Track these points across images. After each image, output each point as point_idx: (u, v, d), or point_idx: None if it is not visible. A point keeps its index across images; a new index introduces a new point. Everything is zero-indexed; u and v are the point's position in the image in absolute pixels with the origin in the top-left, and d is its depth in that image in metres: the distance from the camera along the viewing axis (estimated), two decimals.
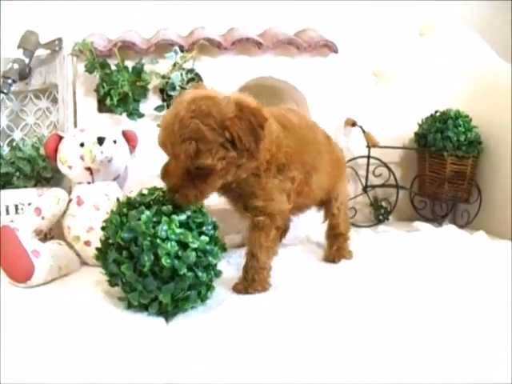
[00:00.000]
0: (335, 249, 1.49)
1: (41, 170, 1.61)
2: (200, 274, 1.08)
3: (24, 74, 1.72)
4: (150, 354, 0.93)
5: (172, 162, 1.07)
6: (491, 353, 0.89)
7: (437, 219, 1.93)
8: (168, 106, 1.66)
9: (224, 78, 1.69)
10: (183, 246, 1.05)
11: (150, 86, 1.67)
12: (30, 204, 1.48)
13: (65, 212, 1.45)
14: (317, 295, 1.19)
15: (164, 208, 1.08)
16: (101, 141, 1.42)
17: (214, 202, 1.26)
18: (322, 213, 1.54)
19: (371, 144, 1.87)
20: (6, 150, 1.69)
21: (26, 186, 1.59)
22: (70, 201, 1.46)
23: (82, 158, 1.44)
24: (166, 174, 1.08)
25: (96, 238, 1.36)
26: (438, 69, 2.07)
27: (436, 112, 1.92)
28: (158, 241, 1.03)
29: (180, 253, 1.04)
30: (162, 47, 1.65)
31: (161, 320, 1.08)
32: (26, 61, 1.68)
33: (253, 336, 0.98)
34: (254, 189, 1.20)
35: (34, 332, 0.99)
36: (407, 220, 2.01)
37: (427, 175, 1.92)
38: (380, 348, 0.91)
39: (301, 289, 1.23)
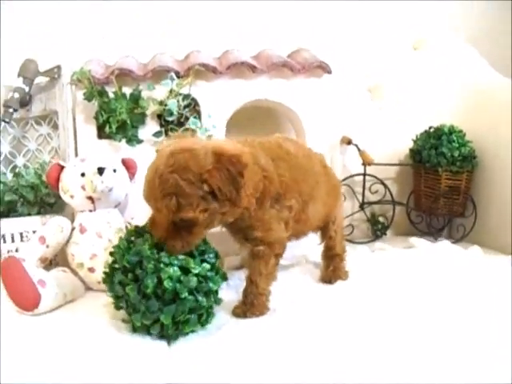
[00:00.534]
0: (331, 269, 1.55)
1: (44, 197, 1.68)
2: (200, 298, 1.15)
3: (25, 102, 1.79)
4: (152, 376, 1.00)
5: (157, 214, 1.12)
6: (491, 367, 0.95)
7: (433, 233, 1.99)
8: (166, 132, 1.73)
9: (220, 102, 1.76)
10: (185, 271, 1.13)
11: (147, 112, 1.73)
12: (34, 232, 1.56)
13: (68, 240, 1.52)
14: (314, 317, 1.24)
15: None
16: (101, 171, 1.49)
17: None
18: (318, 234, 1.61)
19: (366, 162, 1.93)
20: (8, 176, 1.77)
21: (29, 213, 1.66)
22: (73, 229, 1.53)
23: (83, 187, 1.51)
24: (152, 225, 1.15)
25: (99, 264, 1.45)
26: (432, 84, 2.12)
27: (430, 128, 1.97)
28: (162, 265, 1.11)
29: (182, 277, 1.11)
30: (158, 73, 1.72)
31: (163, 344, 1.15)
32: (26, 89, 1.75)
33: (251, 360, 1.04)
34: (251, 222, 1.25)
35: (41, 358, 1.07)
36: (404, 234, 2.08)
37: (422, 191, 1.98)
38: (379, 367, 0.97)
39: (298, 311, 1.29)
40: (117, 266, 1.19)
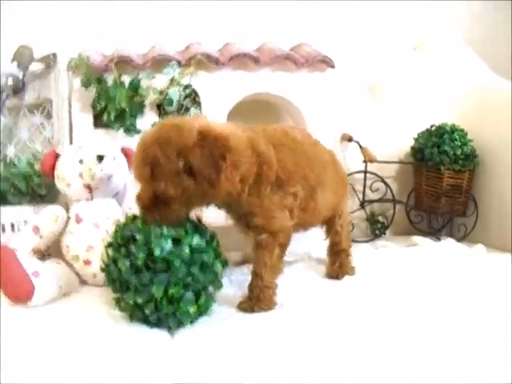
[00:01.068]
0: (338, 265, 1.48)
1: (36, 187, 1.59)
2: (195, 271, 1.09)
3: (18, 89, 1.70)
4: (155, 369, 0.93)
5: (139, 185, 1.11)
6: (492, 365, 0.90)
7: (434, 233, 1.94)
8: None
9: (221, 94, 1.69)
10: (177, 242, 1.10)
11: (146, 102, 1.66)
12: (26, 222, 1.46)
13: (63, 230, 1.43)
14: (322, 313, 1.18)
15: None
16: (100, 158, 1.41)
17: (214, 219, 1.25)
18: (323, 230, 1.54)
19: (368, 159, 1.88)
20: None
21: (20, 203, 1.57)
22: (68, 219, 1.43)
23: (80, 175, 1.41)
24: (136, 196, 1.12)
25: (95, 256, 1.36)
26: (432, 83, 2.08)
27: (432, 126, 1.93)
28: (153, 236, 1.08)
29: (173, 248, 1.08)
30: (158, 62, 1.64)
31: (165, 334, 1.08)
32: (20, 75, 1.67)
33: (258, 355, 0.97)
34: (249, 208, 1.19)
35: (36, 355, 0.97)
36: (404, 234, 2.02)
37: (424, 189, 1.93)
38: (385, 362, 0.91)
39: (306, 306, 1.22)
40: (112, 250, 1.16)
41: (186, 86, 1.66)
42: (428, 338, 1.02)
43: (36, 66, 1.73)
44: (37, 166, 1.61)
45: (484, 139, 1.90)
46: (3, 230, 1.51)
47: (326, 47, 1.81)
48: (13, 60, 1.66)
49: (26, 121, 1.78)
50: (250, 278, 1.25)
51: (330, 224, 1.51)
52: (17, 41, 1.70)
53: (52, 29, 1.82)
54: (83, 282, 1.44)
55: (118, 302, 1.16)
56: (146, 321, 1.11)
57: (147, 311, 1.08)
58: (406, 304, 1.22)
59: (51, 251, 1.49)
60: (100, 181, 1.42)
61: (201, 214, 1.21)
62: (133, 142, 1.58)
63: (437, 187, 1.90)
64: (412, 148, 1.98)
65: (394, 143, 2.02)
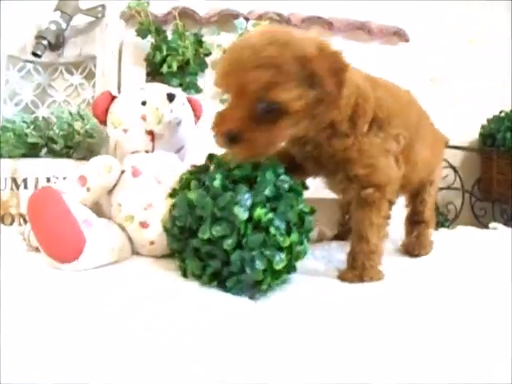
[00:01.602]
0: (415, 235, 1.14)
1: (75, 146, 1.15)
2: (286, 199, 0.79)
3: (58, 43, 1.32)
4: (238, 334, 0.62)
5: (233, 102, 0.76)
6: None
7: (504, 225, 1.57)
8: None
9: None
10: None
11: (209, 60, 1.27)
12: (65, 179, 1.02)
13: (115, 186, 1.03)
14: (424, 288, 0.84)
15: None
16: (171, 97, 1.03)
17: None
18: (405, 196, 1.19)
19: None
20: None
21: None
22: (121, 172, 1.03)
23: (143, 118, 1.05)
24: (221, 119, 0.77)
25: (155, 218, 0.98)
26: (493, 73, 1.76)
27: (501, 112, 1.62)
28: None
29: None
30: (224, 18, 1.29)
31: (247, 300, 0.76)
32: (63, 25, 1.29)
33: (367, 326, 0.66)
34: (347, 152, 0.86)
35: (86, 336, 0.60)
36: None
37: (495, 177, 1.64)
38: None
39: (408, 280, 0.89)
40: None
41: None
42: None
43: (79, 20, 1.31)
44: (76, 124, 1.17)
45: None
46: (36, 186, 1.04)
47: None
48: (56, 8, 1.28)
49: (63, 81, 1.34)
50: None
51: (417, 191, 1.15)
52: None
53: None
54: (135, 253, 1.02)
55: (182, 261, 0.82)
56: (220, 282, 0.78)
57: (227, 246, 0.75)
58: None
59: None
60: (167, 126, 1.05)
61: None
62: None
63: (509, 174, 1.60)
64: (481, 134, 1.70)
65: (458, 130, 1.65)
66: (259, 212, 0.76)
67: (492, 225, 1.56)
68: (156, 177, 1.02)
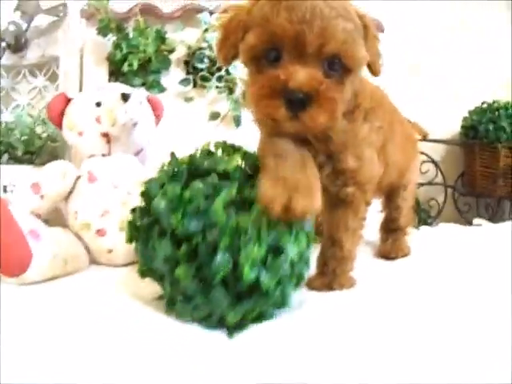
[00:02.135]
0: (390, 242, 1.07)
1: (36, 151, 1.14)
2: (288, 289, 0.65)
3: (19, 45, 1.29)
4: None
5: (295, 59, 0.62)
6: None
7: (489, 219, 1.53)
8: (195, 82, 1.24)
9: None
10: (274, 251, 0.62)
11: (173, 57, 1.24)
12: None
13: (70, 192, 0.99)
14: (401, 293, 0.78)
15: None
16: (126, 97, 0.99)
17: None
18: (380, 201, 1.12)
19: (421, 135, 1.46)
20: None
21: None
22: (77, 178, 1.00)
23: (98, 120, 1.00)
24: (280, 80, 0.61)
25: (113, 225, 0.95)
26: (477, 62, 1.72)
27: (483, 103, 1.59)
28: (242, 239, 0.60)
29: (269, 260, 0.61)
30: (188, 13, 1.24)
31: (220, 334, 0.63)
32: (24, 26, 1.25)
33: (347, 352, 0.56)
34: (344, 137, 0.75)
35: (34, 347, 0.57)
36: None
37: (478, 171, 1.59)
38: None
39: (381, 286, 0.82)
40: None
41: None
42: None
43: (42, 20, 1.28)
44: (38, 129, 1.15)
45: None
46: None
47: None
48: (16, 8, 1.24)
49: (27, 83, 1.32)
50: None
51: (391, 196, 1.08)
52: None
53: None
54: (93, 261, 0.99)
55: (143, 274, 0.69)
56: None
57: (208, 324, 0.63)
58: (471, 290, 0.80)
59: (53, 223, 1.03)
60: (122, 128, 1.01)
61: None
62: None
63: (493, 167, 1.55)
64: (463, 126, 1.65)
65: (439, 124, 1.61)
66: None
67: (476, 221, 1.53)
68: (113, 182, 0.98)
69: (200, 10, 1.25)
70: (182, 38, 1.25)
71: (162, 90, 1.24)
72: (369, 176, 0.80)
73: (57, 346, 0.56)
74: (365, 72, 0.81)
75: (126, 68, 1.17)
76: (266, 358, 0.55)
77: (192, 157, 0.68)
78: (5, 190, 1.04)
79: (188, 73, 1.28)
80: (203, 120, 1.30)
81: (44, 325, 0.62)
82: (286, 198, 0.61)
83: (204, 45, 1.24)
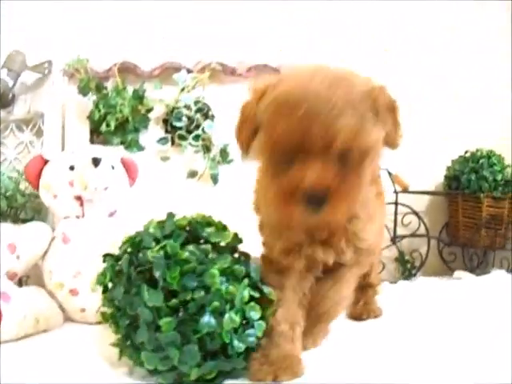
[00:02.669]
0: (362, 304, 1.10)
1: (20, 208, 1.23)
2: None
3: (6, 101, 1.39)
4: None
5: (307, 158, 0.66)
6: None
7: (473, 270, 1.58)
8: (173, 140, 1.33)
9: (237, 109, 1.36)
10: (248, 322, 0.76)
11: (152, 116, 1.34)
12: None
13: (46, 252, 1.08)
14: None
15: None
16: (96, 162, 1.08)
17: None
18: None
19: (402, 187, 1.53)
20: None
21: None
22: (53, 239, 1.09)
23: (71, 184, 1.09)
24: (296, 181, 0.66)
25: (85, 286, 1.02)
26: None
27: (466, 152, 1.64)
28: (228, 306, 0.72)
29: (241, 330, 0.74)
30: (167, 72, 1.35)
31: None
32: (10, 83, 1.35)
33: None
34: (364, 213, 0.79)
35: None
36: (436, 275, 1.64)
37: (461, 221, 1.64)
38: None
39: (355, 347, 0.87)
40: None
41: (198, 100, 1.33)
42: None
43: (28, 77, 1.39)
44: (22, 185, 1.25)
45: None
46: None
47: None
48: (3, 66, 1.35)
49: (14, 138, 1.42)
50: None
51: None
52: (8, 47, 1.39)
53: (48, 35, 1.46)
54: (67, 319, 1.07)
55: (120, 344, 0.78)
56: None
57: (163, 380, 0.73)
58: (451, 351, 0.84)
59: (31, 281, 1.12)
60: (94, 191, 1.10)
61: None
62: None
63: (475, 218, 1.61)
64: (446, 176, 1.71)
65: (423, 173, 1.68)
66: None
67: (456, 274, 1.57)
68: (86, 243, 1.06)
69: (178, 69, 1.35)
70: (160, 97, 1.34)
71: (141, 149, 1.33)
72: (380, 244, 0.89)
73: None
74: None
75: (104, 128, 1.26)
76: None
77: (192, 222, 0.80)
78: None
79: (167, 131, 1.37)
80: (181, 178, 1.38)
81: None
82: (272, 376, 0.72)
83: (181, 104, 1.33)
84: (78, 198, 1.09)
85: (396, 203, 1.60)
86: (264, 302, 0.77)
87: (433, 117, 1.76)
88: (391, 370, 0.75)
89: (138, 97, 1.31)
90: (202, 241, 0.79)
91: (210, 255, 0.75)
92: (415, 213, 1.65)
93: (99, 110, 1.26)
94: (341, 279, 0.84)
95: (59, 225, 1.11)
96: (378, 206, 0.87)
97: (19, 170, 1.33)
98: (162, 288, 0.71)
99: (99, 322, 1.01)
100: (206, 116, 1.37)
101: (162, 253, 0.73)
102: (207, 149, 1.35)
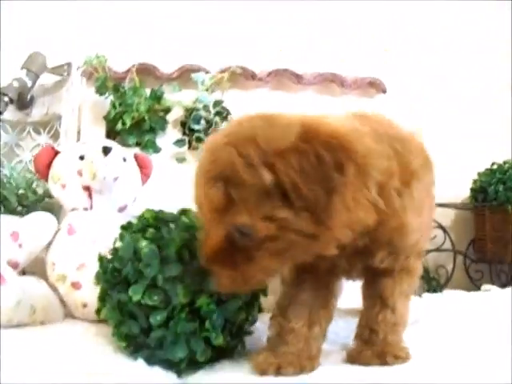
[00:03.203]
0: None
1: (30, 205, 1.21)
2: None
3: (25, 102, 1.41)
4: None
5: (205, 220, 0.64)
6: None
7: (502, 287, 1.49)
8: (190, 142, 1.31)
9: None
10: None
11: (169, 119, 1.33)
12: None
13: (50, 244, 1.05)
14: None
15: None
16: (107, 150, 1.05)
17: None
18: None
19: None
20: None
21: None
22: (58, 230, 1.06)
23: (79, 173, 1.07)
24: (203, 241, 0.64)
25: (88, 279, 0.96)
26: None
27: (492, 164, 1.61)
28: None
29: None
30: (186, 74, 1.33)
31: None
32: (29, 83, 1.36)
33: None
34: (403, 211, 0.70)
35: None
36: None
37: (488, 236, 1.57)
38: None
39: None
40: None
41: (217, 102, 1.32)
42: None
43: (48, 79, 1.40)
44: (34, 184, 1.24)
45: None
46: None
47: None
48: (23, 66, 1.37)
49: (31, 140, 1.42)
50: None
51: None
52: (28, 48, 1.39)
53: (67, 37, 1.49)
54: (68, 315, 1.02)
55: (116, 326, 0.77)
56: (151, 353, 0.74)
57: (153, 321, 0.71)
58: None
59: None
60: (103, 181, 1.06)
61: None
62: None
63: (504, 231, 1.54)
64: (472, 189, 1.65)
65: (449, 187, 1.59)
66: (203, 300, 0.71)
67: (484, 287, 1.47)
68: (92, 236, 1.02)
69: (198, 71, 1.34)
70: (178, 99, 1.33)
71: (157, 150, 1.31)
72: (426, 242, 0.79)
73: None
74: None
75: (119, 126, 1.25)
76: None
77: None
78: None
79: (184, 134, 1.35)
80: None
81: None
82: (275, 367, 0.68)
83: (200, 105, 1.31)
84: (87, 189, 1.06)
85: None
86: None
87: (458, 129, 1.71)
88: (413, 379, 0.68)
89: (156, 97, 1.30)
90: None
91: None
92: (441, 227, 1.59)
93: (115, 108, 1.25)
94: (387, 299, 0.75)
95: (66, 217, 1.08)
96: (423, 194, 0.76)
97: (32, 171, 1.33)
98: None
99: (101, 320, 0.98)
100: (225, 119, 1.34)
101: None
102: None
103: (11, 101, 1.32)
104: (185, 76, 1.35)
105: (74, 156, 1.08)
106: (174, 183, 1.31)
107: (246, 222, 0.58)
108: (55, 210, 1.26)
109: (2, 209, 1.24)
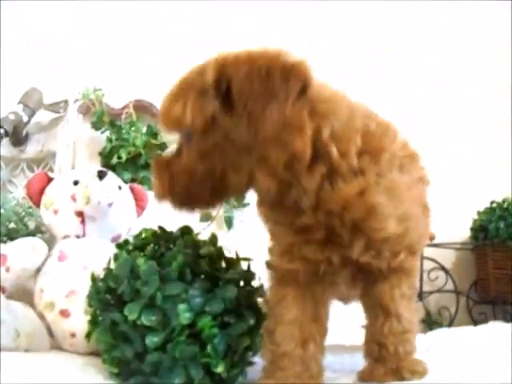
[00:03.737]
0: None
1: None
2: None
3: (20, 138, 1.43)
4: None
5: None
6: None
7: None
8: None
9: None
10: None
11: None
12: None
13: (39, 270, 1.02)
14: None
15: None
16: (102, 175, 1.05)
17: None
18: None
19: (429, 238, 1.45)
20: None
21: None
22: (48, 257, 1.04)
23: (73, 198, 1.06)
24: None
25: (77, 307, 0.95)
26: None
27: (492, 202, 1.60)
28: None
29: None
30: None
31: None
32: (25, 119, 1.38)
33: None
34: (369, 197, 0.65)
35: None
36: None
37: (491, 274, 1.53)
38: None
39: None
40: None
41: None
42: None
43: (44, 116, 1.43)
44: (26, 220, 1.23)
45: None
46: None
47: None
48: (19, 101, 1.39)
49: (24, 177, 1.42)
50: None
51: None
52: (25, 84, 1.42)
53: (64, 73, 1.52)
54: (55, 346, 0.98)
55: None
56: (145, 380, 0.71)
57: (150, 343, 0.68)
58: None
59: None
60: (97, 206, 1.05)
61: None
62: None
63: (507, 269, 1.51)
64: (472, 229, 1.62)
65: (449, 228, 1.59)
66: (205, 322, 0.69)
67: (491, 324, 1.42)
68: (83, 263, 1.00)
69: None
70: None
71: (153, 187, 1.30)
72: (419, 236, 0.73)
73: None
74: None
75: (114, 160, 1.26)
76: None
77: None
78: None
79: None
80: (194, 221, 1.34)
81: None
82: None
83: None
84: (80, 214, 1.05)
85: (422, 257, 1.47)
86: None
87: (457, 167, 1.70)
88: None
89: (152, 133, 1.32)
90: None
91: None
92: (443, 268, 1.59)
93: (111, 142, 1.26)
94: (388, 306, 0.71)
95: (58, 244, 1.06)
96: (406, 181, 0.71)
97: (23, 205, 1.31)
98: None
99: (90, 353, 0.94)
100: None
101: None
102: None
103: (6, 133, 1.33)
104: None
105: (67, 181, 1.07)
106: (168, 221, 1.31)
107: (183, 116, 0.61)
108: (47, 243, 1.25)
109: None
